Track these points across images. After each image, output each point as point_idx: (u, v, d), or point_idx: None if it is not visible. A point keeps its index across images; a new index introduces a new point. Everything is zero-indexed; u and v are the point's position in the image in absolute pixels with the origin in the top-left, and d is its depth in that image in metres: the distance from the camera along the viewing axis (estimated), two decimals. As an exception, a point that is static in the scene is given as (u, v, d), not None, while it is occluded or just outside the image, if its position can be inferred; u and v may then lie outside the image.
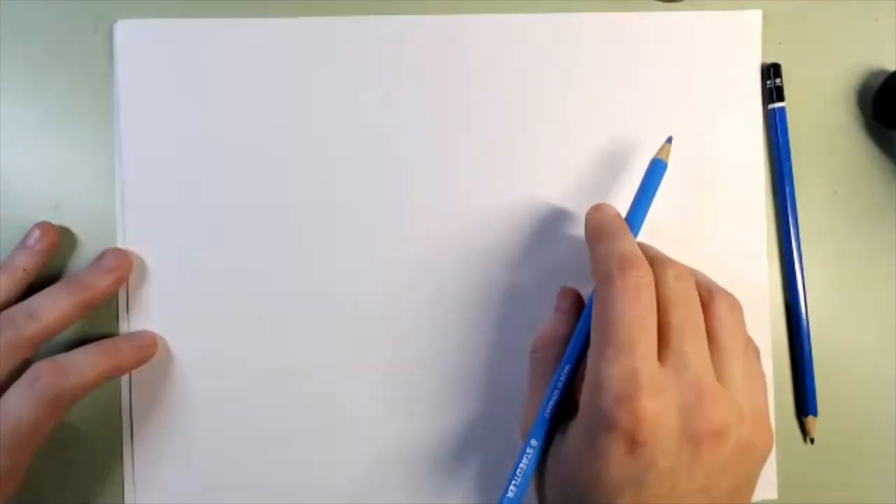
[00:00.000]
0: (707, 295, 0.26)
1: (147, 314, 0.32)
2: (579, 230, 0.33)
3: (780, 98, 0.34)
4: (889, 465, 0.35)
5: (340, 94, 0.33)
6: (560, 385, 0.27)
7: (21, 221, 0.32)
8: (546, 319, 0.31)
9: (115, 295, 0.32)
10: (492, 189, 0.33)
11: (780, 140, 0.34)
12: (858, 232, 0.35)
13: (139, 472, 0.32)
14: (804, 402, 0.34)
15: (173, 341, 0.32)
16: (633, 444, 0.23)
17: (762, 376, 0.27)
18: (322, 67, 0.33)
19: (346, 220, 0.33)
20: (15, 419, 0.27)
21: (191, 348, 0.33)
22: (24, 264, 0.31)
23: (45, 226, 0.31)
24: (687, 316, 0.25)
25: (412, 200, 0.33)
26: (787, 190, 0.34)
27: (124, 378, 0.32)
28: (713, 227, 0.34)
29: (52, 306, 0.29)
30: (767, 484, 0.34)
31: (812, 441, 0.34)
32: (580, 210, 0.33)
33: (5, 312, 0.29)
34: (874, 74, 0.35)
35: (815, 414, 0.34)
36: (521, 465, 0.27)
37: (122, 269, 0.31)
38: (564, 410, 0.27)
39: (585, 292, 0.31)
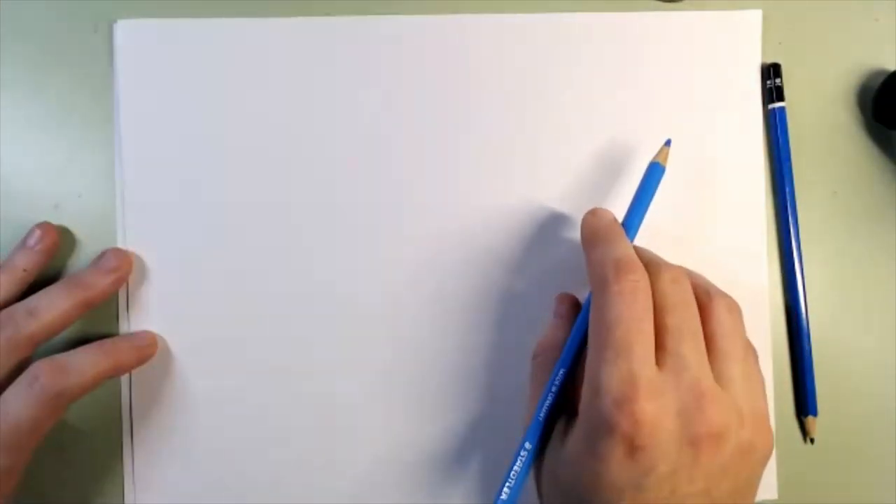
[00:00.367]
0: (705, 297, 0.26)
1: (147, 314, 0.32)
2: (578, 231, 0.33)
3: (780, 98, 0.34)
4: (889, 465, 0.35)
5: (340, 94, 0.33)
6: (554, 389, 0.27)
7: (21, 221, 0.32)
8: (546, 325, 0.31)
9: (115, 295, 0.32)
10: (491, 189, 0.33)
11: (780, 140, 0.34)
12: (858, 232, 0.35)
13: (139, 472, 0.32)
14: (804, 402, 0.34)
15: (173, 341, 0.33)
16: (633, 447, 0.23)
17: (761, 378, 0.27)
18: (322, 67, 0.33)
19: (346, 220, 0.33)
20: (14, 418, 0.27)
21: (191, 348, 0.33)
22: (25, 264, 0.31)
23: (45, 226, 0.31)
24: (684, 319, 0.25)
25: (412, 200, 0.33)
26: (787, 190, 0.34)
27: (124, 378, 0.32)
28: (713, 227, 0.34)
29: (51, 306, 0.29)
30: (767, 484, 0.34)
31: (812, 441, 0.34)
32: (580, 211, 0.33)
33: (5, 311, 0.29)
34: (874, 74, 0.35)
35: (815, 414, 0.34)
36: (515, 467, 0.27)
37: (122, 270, 0.31)
38: (562, 413, 0.27)
39: (584, 294, 0.31)
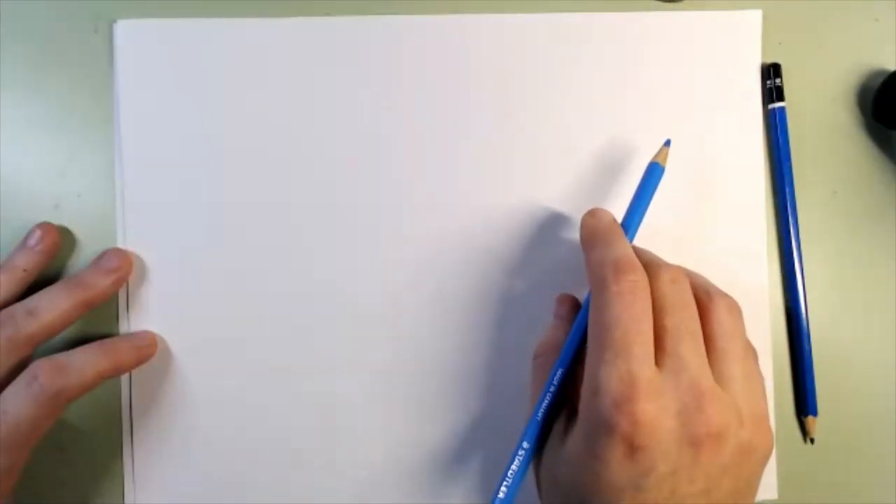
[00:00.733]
0: (705, 297, 0.26)
1: (147, 314, 0.32)
2: (578, 231, 0.33)
3: (780, 98, 0.34)
4: (889, 465, 0.35)
5: (340, 94, 0.33)
6: (553, 388, 0.27)
7: (21, 221, 0.32)
8: (546, 326, 0.31)
9: (115, 295, 0.32)
10: (491, 189, 0.33)
11: (780, 140, 0.34)
12: (858, 232, 0.35)
13: (139, 472, 0.32)
14: (804, 402, 0.34)
15: (173, 341, 0.33)
16: (632, 447, 0.23)
17: (761, 378, 0.27)
18: (322, 67, 0.33)
19: (345, 220, 0.33)
20: (13, 417, 0.27)
21: (191, 348, 0.33)
22: (25, 264, 0.31)
23: (45, 226, 0.31)
24: (682, 319, 0.25)
25: (412, 200, 0.33)
26: (787, 190, 0.34)
27: (124, 378, 0.32)
28: (713, 227, 0.34)
29: (51, 305, 0.29)
30: (767, 484, 0.34)
31: (812, 441, 0.34)
32: (580, 210, 0.33)
33: (5, 311, 0.29)
34: (874, 74, 0.35)
35: (815, 414, 0.34)
36: (513, 466, 0.27)
37: (123, 270, 0.31)
38: (562, 414, 0.27)
39: (584, 294, 0.31)
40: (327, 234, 0.33)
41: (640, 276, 0.25)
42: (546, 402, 0.27)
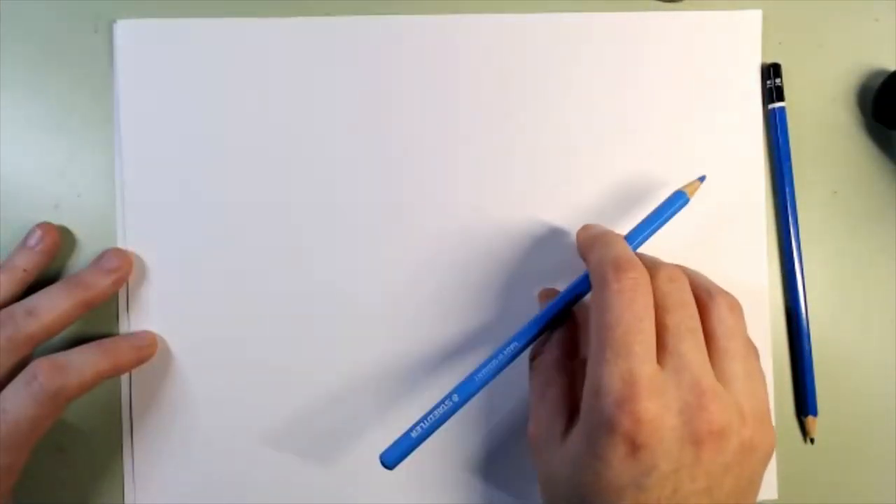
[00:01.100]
0: (706, 296, 0.26)
1: (147, 314, 0.32)
2: (574, 227, 0.33)
3: (780, 98, 0.34)
4: (889, 465, 0.35)
5: (340, 93, 0.33)
6: (500, 356, 0.28)
7: (21, 221, 0.32)
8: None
9: (115, 295, 0.32)
10: (491, 189, 0.33)
11: (780, 140, 0.34)
12: (858, 232, 0.35)
13: (139, 472, 0.32)
14: (804, 402, 0.34)
15: (173, 341, 0.33)
16: (634, 446, 0.23)
17: (763, 377, 0.27)
18: (322, 67, 0.33)
19: (345, 220, 0.33)
20: (13, 417, 0.27)
21: (191, 348, 0.33)
22: (25, 264, 0.31)
23: (46, 226, 0.31)
24: (682, 318, 0.25)
25: (412, 200, 0.33)
26: (787, 190, 0.34)
27: (124, 378, 0.32)
28: (713, 227, 0.34)
29: (51, 305, 0.29)
30: (767, 484, 0.34)
31: (812, 441, 0.34)
32: (579, 211, 0.33)
33: (5, 311, 0.29)
34: (874, 74, 0.35)
35: (815, 414, 0.34)
36: (436, 411, 0.27)
37: (123, 270, 0.31)
38: (562, 412, 0.27)
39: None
40: (327, 234, 0.33)
41: (641, 274, 0.25)
42: (489, 366, 0.27)
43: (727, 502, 0.24)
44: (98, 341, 0.31)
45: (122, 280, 0.32)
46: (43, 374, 0.28)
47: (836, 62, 0.35)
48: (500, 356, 0.28)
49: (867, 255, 0.35)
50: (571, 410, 0.27)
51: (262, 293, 0.33)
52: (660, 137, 0.34)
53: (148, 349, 0.32)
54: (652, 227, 0.29)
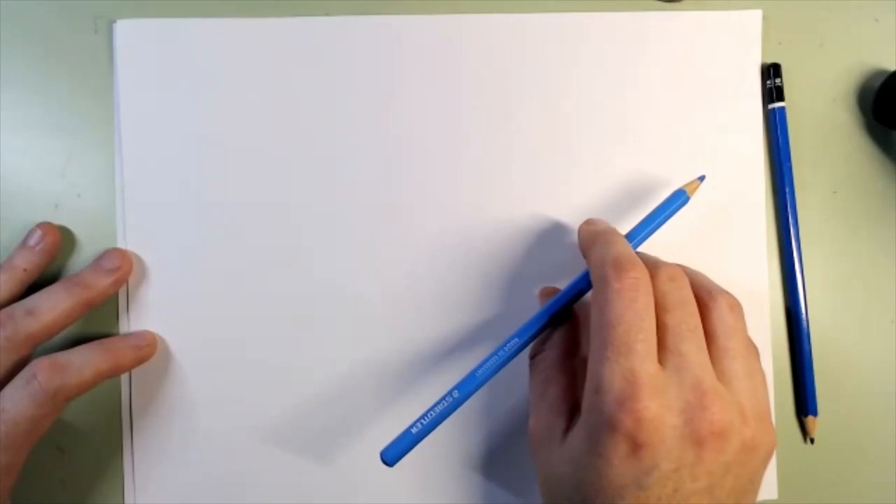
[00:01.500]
0: (707, 295, 0.26)
1: (147, 314, 0.32)
2: (574, 227, 0.33)
3: (780, 98, 0.34)
4: (889, 465, 0.35)
5: (340, 93, 0.33)
6: (501, 353, 0.28)
7: (21, 221, 0.32)
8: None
9: (115, 295, 0.32)
10: (491, 189, 0.33)
11: (780, 140, 0.34)
12: (858, 232, 0.35)
13: (139, 472, 0.32)
14: (804, 402, 0.34)
15: (173, 341, 0.33)
16: (635, 445, 0.23)
17: (764, 376, 0.27)
18: (322, 67, 0.33)
19: (345, 220, 0.33)
20: (12, 416, 0.27)
21: (191, 348, 0.33)
22: (25, 264, 0.31)
23: (46, 226, 0.31)
24: (683, 317, 0.25)
25: (412, 200, 0.33)
26: (787, 190, 0.34)
27: (124, 378, 0.32)
28: (713, 226, 0.34)
29: (51, 305, 0.29)
30: (767, 484, 0.34)
31: (812, 441, 0.34)
32: (579, 211, 0.33)
33: (5, 311, 0.29)
34: (874, 74, 0.35)
35: (815, 414, 0.34)
36: (437, 408, 0.27)
37: (123, 270, 0.31)
38: (562, 411, 0.27)
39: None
40: (327, 234, 0.33)
41: (642, 273, 0.25)
42: (489, 363, 0.27)
43: (728, 501, 0.24)
44: (98, 341, 0.31)
45: (123, 280, 0.32)
46: (42, 374, 0.28)
47: (836, 62, 0.35)
48: (501, 353, 0.28)
49: (867, 255, 0.35)
50: (572, 409, 0.27)
51: (262, 293, 0.33)
52: (660, 137, 0.34)
53: (147, 349, 0.32)
54: (652, 226, 0.29)
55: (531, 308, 0.33)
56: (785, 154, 0.34)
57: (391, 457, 0.27)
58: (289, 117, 0.33)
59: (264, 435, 0.33)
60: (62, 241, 0.32)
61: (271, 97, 0.33)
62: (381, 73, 0.33)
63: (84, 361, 0.29)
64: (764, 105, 0.34)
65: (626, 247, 0.27)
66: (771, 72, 0.34)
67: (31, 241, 0.31)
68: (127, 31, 0.32)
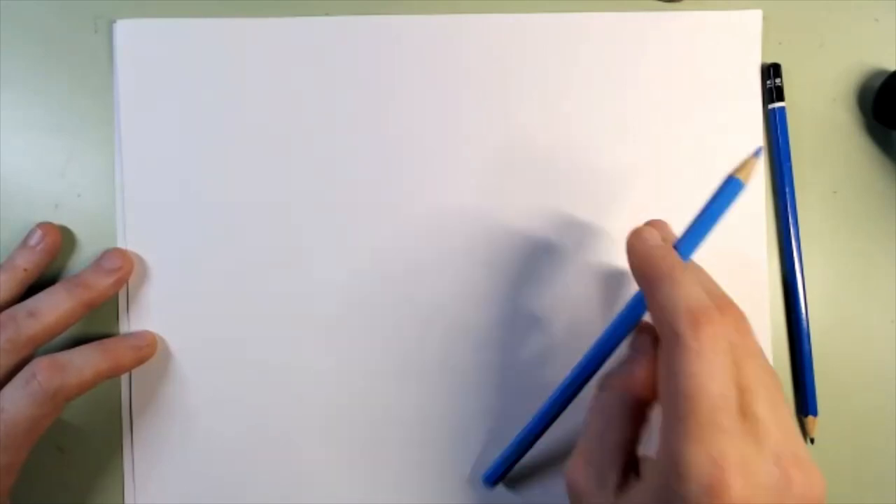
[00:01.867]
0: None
1: (147, 314, 0.32)
2: (577, 230, 0.33)
3: (780, 98, 0.34)
4: (889, 465, 0.35)
5: (340, 93, 0.33)
6: (564, 390, 0.27)
7: (21, 221, 0.32)
8: (621, 358, 0.27)
9: (116, 295, 0.32)
10: (491, 189, 0.33)
11: (781, 140, 0.34)
12: (858, 232, 0.35)
13: (139, 472, 0.32)
14: (804, 403, 0.34)
15: (173, 341, 0.33)
16: None
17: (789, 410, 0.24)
18: (321, 67, 0.33)
19: (345, 219, 0.33)
20: (12, 416, 0.27)
21: (190, 348, 0.33)
22: (25, 264, 0.31)
23: (46, 226, 0.31)
24: (757, 373, 0.22)
25: (412, 200, 0.33)
26: (787, 190, 0.34)
27: (124, 378, 0.32)
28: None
29: (53, 306, 0.29)
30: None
31: (812, 441, 0.34)
32: (579, 212, 0.33)
33: (6, 312, 0.29)
34: (874, 74, 0.35)
35: (815, 414, 0.34)
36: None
37: (124, 270, 0.31)
38: (613, 463, 0.24)
39: (585, 293, 0.31)
40: (327, 234, 0.33)
41: (720, 325, 0.22)
42: (555, 398, 0.27)
43: None
44: (98, 341, 0.31)
45: (124, 280, 0.32)
46: (42, 374, 0.28)
47: (837, 62, 0.35)
48: (566, 391, 0.27)
49: (867, 255, 0.35)
50: (629, 463, 0.24)
51: (262, 293, 0.33)
52: (660, 137, 0.34)
53: (147, 349, 0.32)
54: (705, 227, 0.26)
55: (530, 307, 0.33)
56: (785, 154, 0.34)
57: (490, 478, 0.27)
58: (289, 117, 0.33)
59: (264, 435, 0.33)
60: (62, 241, 0.32)
61: (271, 97, 0.33)
62: (381, 73, 0.33)
63: (84, 361, 0.29)
64: (764, 105, 0.34)
65: (696, 288, 0.23)
66: (771, 72, 0.34)
67: (32, 241, 0.31)
68: (127, 31, 0.32)
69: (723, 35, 0.34)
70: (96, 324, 0.32)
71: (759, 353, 0.23)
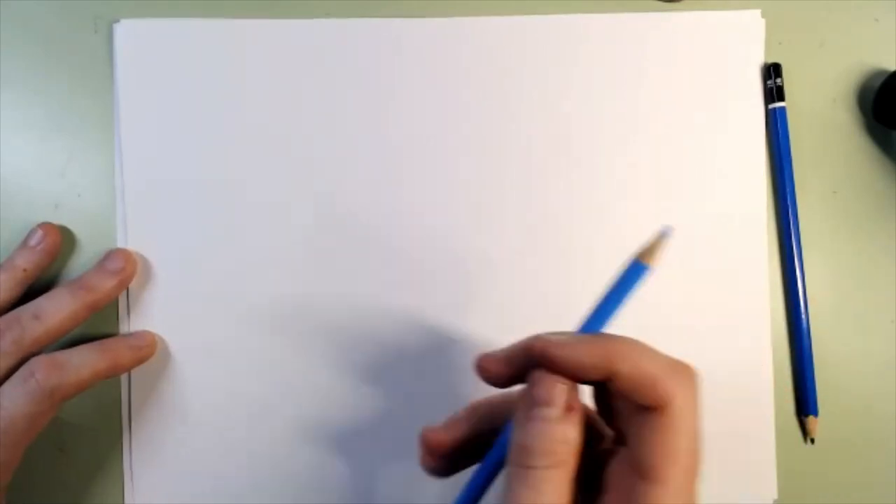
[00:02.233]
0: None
1: (147, 314, 0.32)
2: (575, 231, 0.33)
3: (781, 98, 0.34)
4: (889, 465, 0.35)
5: (340, 95, 0.33)
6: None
7: (21, 221, 0.32)
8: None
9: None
10: (491, 190, 0.33)
11: (781, 140, 0.34)
12: (858, 232, 0.35)
13: (138, 472, 0.32)
14: (805, 402, 0.34)
15: (173, 341, 0.33)
16: None
17: None
18: (321, 69, 0.33)
19: (345, 220, 0.33)
20: (9, 413, 0.27)
21: (190, 348, 0.33)
22: (25, 264, 0.31)
23: (47, 226, 0.31)
24: None
25: (412, 201, 0.33)
26: (788, 190, 0.34)
27: (123, 378, 0.32)
28: (713, 227, 0.34)
29: (57, 309, 0.29)
30: (767, 484, 0.34)
31: (812, 441, 0.34)
32: (579, 212, 0.33)
33: (11, 314, 0.29)
34: (874, 74, 0.35)
35: (815, 414, 0.34)
36: None
37: (127, 271, 0.31)
38: None
39: (574, 298, 0.31)
40: (327, 235, 0.33)
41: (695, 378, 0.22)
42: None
43: None
44: (97, 341, 0.31)
45: (127, 281, 0.32)
46: (40, 372, 0.28)
47: (837, 62, 0.35)
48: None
49: (867, 255, 0.35)
50: None
51: (262, 293, 0.33)
52: (661, 137, 0.34)
53: (146, 349, 0.32)
54: (608, 312, 0.23)
55: (531, 308, 0.33)
56: (785, 154, 0.34)
57: None
58: (289, 118, 0.33)
59: (263, 435, 0.33)
60: (62, 241, 0.32)
61: (271, 98, 0.33)
62: (380, 75, 0.33)
63: (82, 361, 0.29)
64: (765, 105, 0.34)
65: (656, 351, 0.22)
66: (771, 71, 0.34)
67: (32, 242, 0.31)
68: (127, 32, 0.32)
69: (723, 35, 0.34)
70: (97, 323, 0.32)
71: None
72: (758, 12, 0.34)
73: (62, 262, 0.32)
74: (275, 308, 0.33)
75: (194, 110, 0.33)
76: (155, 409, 0.32)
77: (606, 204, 0.34)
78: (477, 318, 0.33)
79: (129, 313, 0.32)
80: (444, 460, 0.25)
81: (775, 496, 0.34)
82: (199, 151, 0.33)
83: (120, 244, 0.32)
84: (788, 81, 0.34)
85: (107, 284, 0.31)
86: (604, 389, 0.23)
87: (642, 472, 0.21)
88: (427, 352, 0.33)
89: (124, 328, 0.32)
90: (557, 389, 0.22)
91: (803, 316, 0.34)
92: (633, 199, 0.34)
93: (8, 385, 0.28)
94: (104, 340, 0.31)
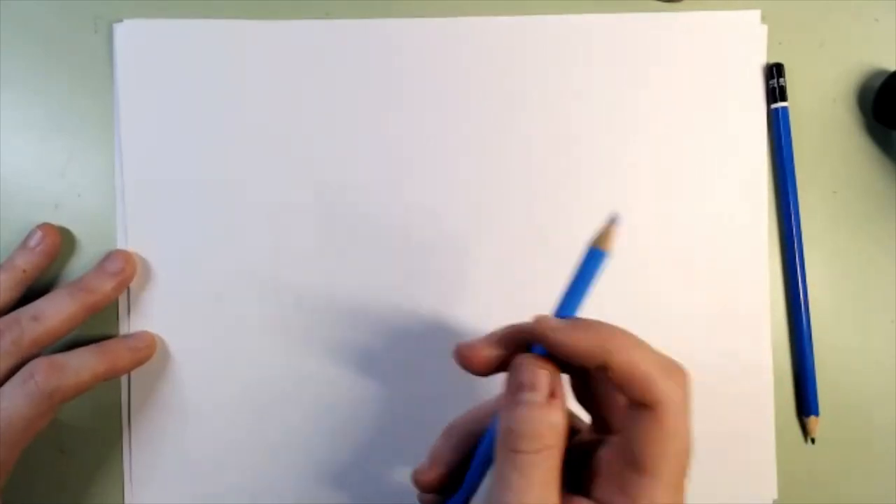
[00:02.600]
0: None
1: (147, 315, 0.32)
2: (576, 231, 0.33)
3: (783, 98, 0.34)
4: (889, 465, 0.35)
5: (340, 95, 0.33)
6: None
7: (21, 221, 0.32)
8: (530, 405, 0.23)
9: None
10: (492, 190, 0.33)
11: (783, 140, 0.34)
12: (858, 232, 0.35)
13: (138, 472, 0.32)
14: (805, 402, 0.34)
15: (172, 342, 0.32)
16: None
17: None
18: (321, 69, 0.33)
19: (345, 220, 0.33)
20: (7, 414, 0.27)
21: (190, 349, 0.33)
22: (25, 265, 0.31)
23: (46, 227, 0.31)
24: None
25: (412, 201, 0.33)
26: (790, 189, 0.34)
27: (123, 379, 0.32)
28: (715, 226, 0.34)
29: (56, 310, 0.29)
30: (767, 484, 0.34)
31: (813, 441, 0.34)
32: (580, 213, 0.33)
33: (11, 315, 0.29)
34: (874, 74, 0.35)
35: (816, 414, 0.34)
36: None
37: (126, 272, 0.31)
38: None
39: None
40: (327, 235, 0.33)
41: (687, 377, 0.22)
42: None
43: None
44: (96, 343, 0.31)
45: (127, 282, 0.32)
46: (40, 374, 0.28)
47: (837, 62, 0.35)
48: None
49: (867, 255, 0.35)
50: None
51: (263, 294, 0.33)
52: (661, 137, 0.34)
53: (146, 351, 0.32)
54: (576, 301, 0.24)
55: (531, 308, 0.33)
56: (787, 154, 0.34)
57: None
58: (289, 118, 0.33)
59: (263, 436, 0.33)
60: (62, 241, 0.32)
61: (271, 98, 0.33)
62: (381, 75, 0.33)
63: (81, 363, 0.29)
64: (766, 105, 0.34)
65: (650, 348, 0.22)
66: (774, 71, 0.34)
67: (32, 242, 0.31)
68: (127, 32, 0.32)
69: (725, 35, 0.34)
70: (96, 324, 0.32)
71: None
72: (758, 12, 0.34)
73: (62, 263, 0.32)
74: (274, 308, 0.33)
75: (194, 110, 0.33)
76: (155, 409, 0.32)
77: (607, 204, 0.33)
78: (481, 317, 0.33)
79: (128, 313, 0.32)
80: (440, 493, 0.26)
81: (775, 496, 0.34)
82: (198, 151, 0.33)
83: (120, 244, 0.32)
84: (788, 81, 0.34)
85: (106, 286, 0.31)
86: (586, 377, 0.24)
87: (635, 465, 0.21)
88: (427, 352, 0.33)
89: (124, 328, 0.32)
90: (541, 374, 0.23)
91: (804, 316, 0.34)
92: (633, 199, 0.34)
93: (7, 386, 0.28)
94: (103, 342, 0.31)
